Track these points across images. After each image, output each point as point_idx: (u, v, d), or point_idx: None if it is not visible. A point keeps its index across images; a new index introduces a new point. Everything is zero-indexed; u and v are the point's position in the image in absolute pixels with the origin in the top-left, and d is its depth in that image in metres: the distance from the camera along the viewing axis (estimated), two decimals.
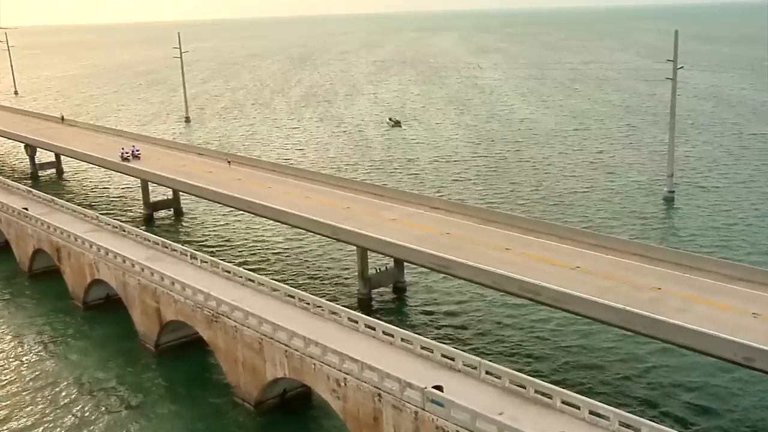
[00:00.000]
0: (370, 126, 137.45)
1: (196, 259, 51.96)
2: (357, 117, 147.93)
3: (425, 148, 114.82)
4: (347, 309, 41.62)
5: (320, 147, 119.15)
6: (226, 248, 70.64)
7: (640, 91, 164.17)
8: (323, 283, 60.71)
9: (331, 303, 42.68)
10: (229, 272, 49.23)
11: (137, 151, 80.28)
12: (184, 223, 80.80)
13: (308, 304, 43.50)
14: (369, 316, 40.51)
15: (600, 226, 73.04)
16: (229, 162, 74.75)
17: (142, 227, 76.09)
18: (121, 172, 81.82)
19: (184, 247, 53.44)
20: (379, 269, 58.72)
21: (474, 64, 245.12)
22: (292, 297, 44.72)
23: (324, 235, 57.82)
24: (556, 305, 41.51)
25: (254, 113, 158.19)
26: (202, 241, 73.18)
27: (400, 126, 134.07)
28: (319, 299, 43.21)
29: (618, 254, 47.21)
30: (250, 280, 47.50)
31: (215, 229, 77.59)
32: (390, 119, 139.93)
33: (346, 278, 61.60)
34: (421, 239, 50.63)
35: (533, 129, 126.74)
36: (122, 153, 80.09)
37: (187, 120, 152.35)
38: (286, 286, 45.72)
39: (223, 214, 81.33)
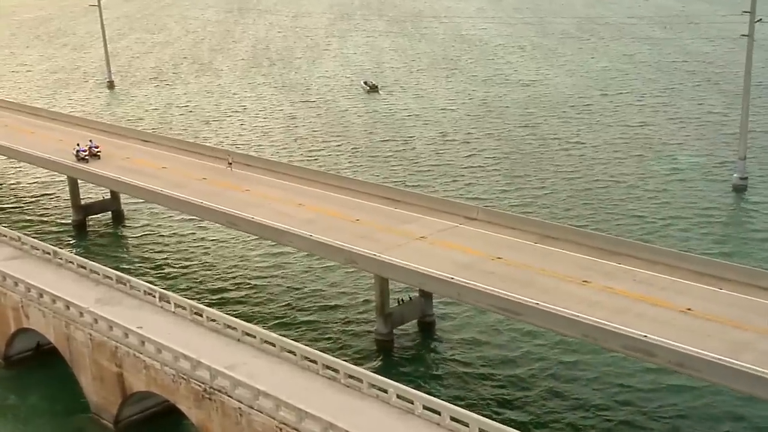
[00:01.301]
0: (342, 93, 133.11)
1: (169, 302, 46.49)
2: (324, 81, 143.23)
3: (418, 124, 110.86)
4: (394, 383, 36.85)
5: (284, 124, 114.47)
6: (189, 269, 66.03)
7: (680, 46, 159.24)
8: (328, 322, 56.64)
9: (374, 374, 37.81)
10: (216, 322, 43.99)
11: (96, 147, 71.66)
12: (128, 233, 75.85)
13: (337, 372, 38.60)
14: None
15: (658, 227, 70.01)
16: (230, 163, 66.17)
17: (71, 240, 71.65)
18: (83, 180, 73.39)
19: (149, 285, 48.10)
20: (402, 300, 54.90)
21: (455, 10, 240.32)
22: (313, 362, 39.73)
23: (329, 260, 54.41)
24: (680, 370, 37.19)
25: (193, 78, 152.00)
26: (157, 261, 68.17)
27: (378, 92, 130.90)
28: (353, 367, 38.40)
29: (739, 288, 43.01)
30: (249, 334, 42.41)
31: (172, 240, 72.82)
32: (365, 83, 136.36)
33: (357, 312, 57.88)
34: (468, 269, 46.62)
35: (546, 95, 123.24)
36: (77, 151, 70.40)
37: (111, 86, 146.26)
38: (307, 348, 40.64)
39: (179, 220, 75.86)
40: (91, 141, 73.05)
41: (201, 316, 44.45)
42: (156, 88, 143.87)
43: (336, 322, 56.41)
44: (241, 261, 67.08)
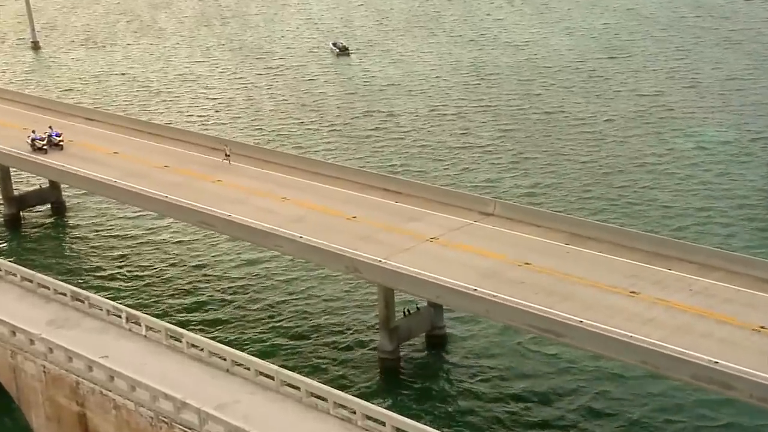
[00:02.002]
0: (309, 57, 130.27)
1: (138, 324, 43.84)
2: (286, 43, 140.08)
3: (400, 94, 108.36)
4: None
5: (245, 95, 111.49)
6: (148, 278, 63.29)
7: None
8: (323, 341, 54.55)
9: (398, 416, 35.64)
10: (199, 348, 41.46)
11: (57, 136, 66.51)
12: (72, 231, 72.71)
13: (353, 412, 36.39)
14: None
15: (694, 220, 68.73)
16: (227, 155, 61.80)
17: (1, 242, 68.95)
18: (16, 168, 70.45)
19: (113, 303, 45.39)
20: (408, 311, 53.36)
21: None
22: (323, 399, 37.50)
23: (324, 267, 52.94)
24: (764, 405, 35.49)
25: (133, 39, 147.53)
26: (108, 267, 65.10)
27: (349, 55, 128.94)
28: (372, 407, 36.35)
29: None
30: (240, 365, 40.02)
31: (127, 240, 69.93)
32: (334, 45, 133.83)
33: (356, 327, 56.12)
34: (492, 278, 45.21)
35: (544, 59, 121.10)
36: (33, 140, 64.97)
37: (36, 47, 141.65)
38: (313, 383, 38.36)
39: (136, 214, 73.19)
40: (51, 128, 67.69)
41: (180, 341, 41.90)
42: (90, 51, 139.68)
43: (332, 341, 54.54)
44: (214, 268, 64.33)
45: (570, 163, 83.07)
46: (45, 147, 65.51)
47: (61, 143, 66.58)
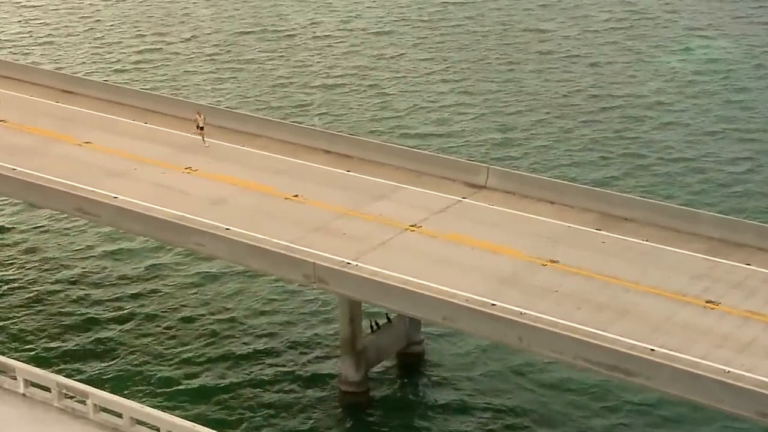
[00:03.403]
0: None
1: (15, 378, 37.02)
2: None
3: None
4: None
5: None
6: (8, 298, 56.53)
7: None
8: (268, 375, 50.25)
9: None
10: (112, 413, 35.25)
11: None
12: None
13: None
14: None
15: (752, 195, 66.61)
16: (200, 128, 54.41)
17: None
18: None
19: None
20: (377, 325, 49.40)
21: None
22: None
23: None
24: None
25: None
26: None
27: None
28: None
29: None
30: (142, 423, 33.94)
31: None
32: None
33: (308, 349, 52.21)
34: (513, 284, 41.81)
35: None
36: None
37: None
38: None
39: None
40: None
41: (85, 402, 35.84)
42: None
43: (275, 375, 50.27)
44: (103, 277, 58.48)
45: (575, 123, 78.95)
46: None
47: None
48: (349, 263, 42.85)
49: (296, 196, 49.15)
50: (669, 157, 71.71)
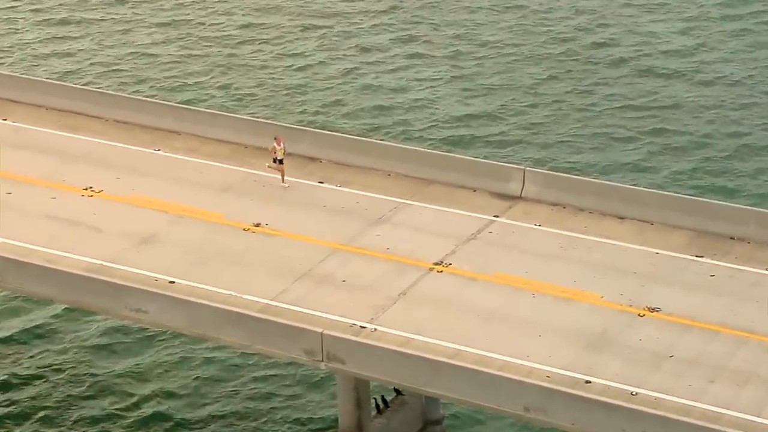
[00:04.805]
0: None
1: None
2: None
3: None
4: None
5: None
6: None
7: None
8: None
9: None
10: None
11: None
12: None
13: None
14: None
15: None
16: (279, 160, 50.07)
17: None
18: None
19: None
20: (384, 403, 47.45)
21: None
22: None
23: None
24: None
25: None
26: None
27: None
28: None
29: None
30: None
31: None
32: None
33: None
34: (602, 348, 38.44)
35: None
36: None
37: None
38: None
39: None
40: None
41: None
42: None
43: None
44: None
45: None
46: None
47: None
48: (364, 327, 38.77)
49: (258, 225, 45.25)
50: None
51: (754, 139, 74.80)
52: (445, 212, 45.84)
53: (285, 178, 47.95)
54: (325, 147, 50.76)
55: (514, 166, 50.85)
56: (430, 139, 72.71)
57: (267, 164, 48.37)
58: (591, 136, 74.75)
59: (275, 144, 47.62)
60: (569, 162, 69.53)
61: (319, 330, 37.71)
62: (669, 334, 38.27)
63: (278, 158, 47.70)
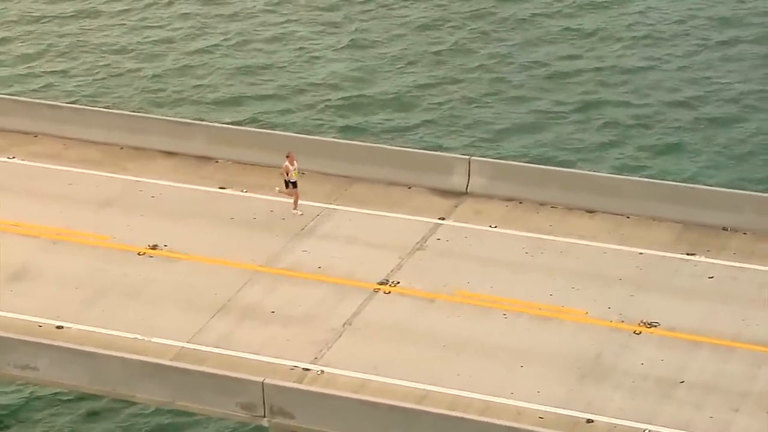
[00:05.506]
0: None
1: None
2: None
3: None
4: None
5: None
6: None
7: None
8: None
9: None
10: None
11: None
12: None
13: None
14: None
15: None
16: (292, 182, 49.41)
17: None
18: None
19: None
20: None
21: None
22: None
23: None
24: None
25: None
26: None
27: None
28: None
29: None
30: None
31: None
32: None
33: None
34: (604, 378, 37.17)
35: None
36: None
37: None
38: None
39: None
40: None
41: None
42: None
43: None
44: None
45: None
46: None
47: None
48: (307, 370, 36.30)
49: (155, 247, 42.51)
50: None
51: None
52: (379, 217, 44.01)
53: (298, 203, 46.02)
54: (221, 143, 48.81)
55: (456, 155, 49.57)
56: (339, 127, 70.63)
57: (277, 188, 46.09)
58: (541, 113, 72.79)
59: (287, 163, 45.07)
60: (520, 147, 68.08)
61: (260, 379, 35.11)
62: (675, 355, 36.67)
63: (291, 180, 45.29)
